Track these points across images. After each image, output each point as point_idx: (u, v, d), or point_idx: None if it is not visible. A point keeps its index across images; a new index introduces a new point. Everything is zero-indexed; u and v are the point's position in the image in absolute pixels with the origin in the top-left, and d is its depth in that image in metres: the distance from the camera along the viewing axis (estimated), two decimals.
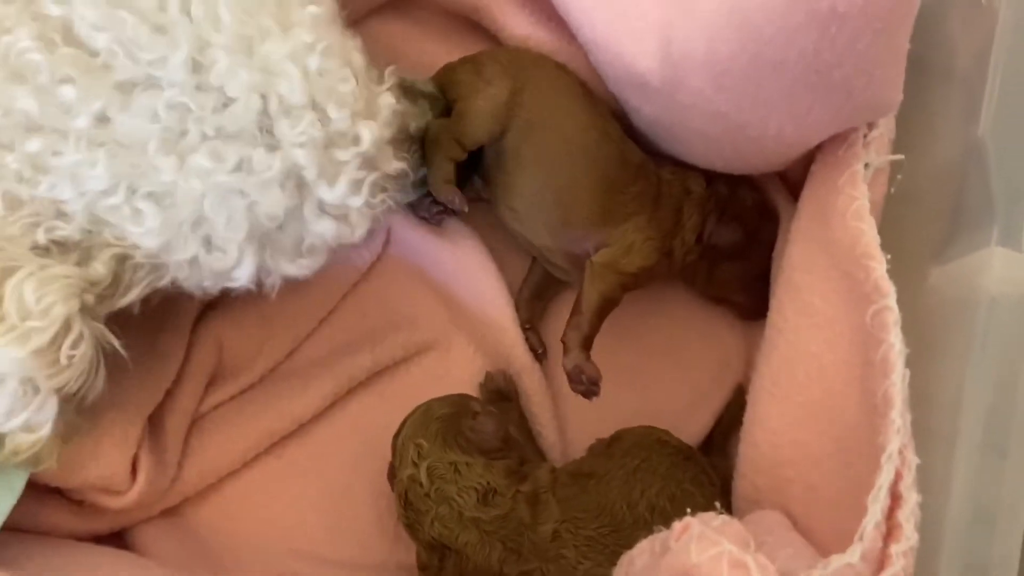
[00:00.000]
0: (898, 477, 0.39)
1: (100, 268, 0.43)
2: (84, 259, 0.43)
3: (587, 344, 0.55)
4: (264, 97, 0.43)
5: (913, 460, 0.39)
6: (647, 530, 0.42)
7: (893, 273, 0.45)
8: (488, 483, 0.52)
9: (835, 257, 0.47)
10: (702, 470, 0.54)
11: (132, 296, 0.45)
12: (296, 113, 0.44)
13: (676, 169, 0.60)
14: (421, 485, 0.51)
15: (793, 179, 0.60)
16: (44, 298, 0.40)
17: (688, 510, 0.42)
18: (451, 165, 0.57)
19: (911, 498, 0.38)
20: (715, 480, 0.54)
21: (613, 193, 0.56)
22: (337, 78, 0.45)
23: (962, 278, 0.46)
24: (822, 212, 0.49)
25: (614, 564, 0.45)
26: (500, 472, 0.53)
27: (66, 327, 0.41)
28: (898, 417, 0.40)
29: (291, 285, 0.61)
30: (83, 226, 0.43)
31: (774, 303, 0.52)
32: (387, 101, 0.49)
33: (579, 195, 0.56)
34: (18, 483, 0.48)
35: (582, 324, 0.55)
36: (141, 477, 0.52)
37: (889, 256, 0.44)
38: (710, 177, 0.60)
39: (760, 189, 0.61)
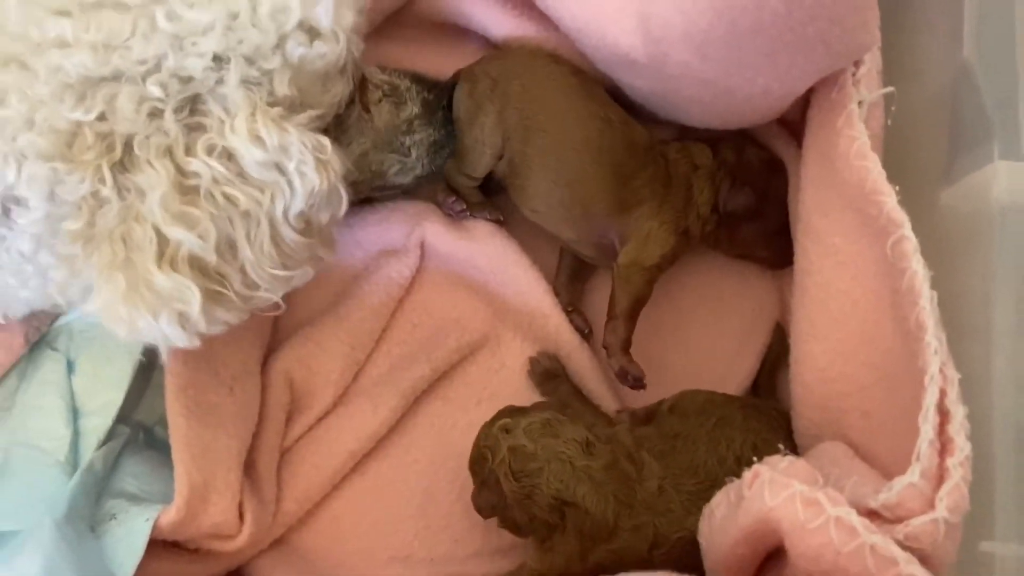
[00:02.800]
0: (943, 395, 0.41)
1: None
2: None
3: (626, 345, 0.59)
4: None
5: (954, 376, 0.42)
6: None
7: (904, 201, 0.47)
8: (584, 436, 0.54)
9: (846, 197, 0.49)
10: (771, 416, 0.57)
11: None
12: None
13: (681, 145, 0.62)
14: (525, 447, 0.53)
15: (791, 120, 0.62)
16: None
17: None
18: (475, 191, 0.60)
19: (958, 412, 0.41)
20: (784, 422, 0.57)
21: (624, 181, 0.59)
22: None
23: (971, 195, 0.48)
24: (826, 156, 0.51)
25: None
26: (585, 429, 0.55)
27: None
28: (933, 339, 0.42)
29: (341, 312, 0.65)
30: None
31: (798, 249, 0.55)
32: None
33: (592, 188, 0.59)
34: (140, 541, 0.52)
35: (618, 328, 0.59)
36: (248, 518, 0.56)
37: (897, 188, 0.46)
38: (714, 142, 0.62)
39: (762, 143, 0.63)
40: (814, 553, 0.39)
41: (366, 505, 0.63)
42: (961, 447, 0.40)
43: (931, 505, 0.39)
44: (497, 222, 0.65)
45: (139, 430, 0.62)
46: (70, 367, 0.61)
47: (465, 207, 0.65)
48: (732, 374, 0.65)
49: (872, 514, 0.40)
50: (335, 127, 0.55)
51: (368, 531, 0.63)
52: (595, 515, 0.52)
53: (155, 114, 0.44)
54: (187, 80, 0.44)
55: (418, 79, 0.63)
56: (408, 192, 0.67)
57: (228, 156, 0.45)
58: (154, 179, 0.43)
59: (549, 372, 0.64)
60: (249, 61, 0.45)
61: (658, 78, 0.55)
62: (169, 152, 0.44)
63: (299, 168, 0.46)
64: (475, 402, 0.65)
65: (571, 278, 0.66)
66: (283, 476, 0.61)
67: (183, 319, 0.45)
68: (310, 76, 0.48)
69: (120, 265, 0.43)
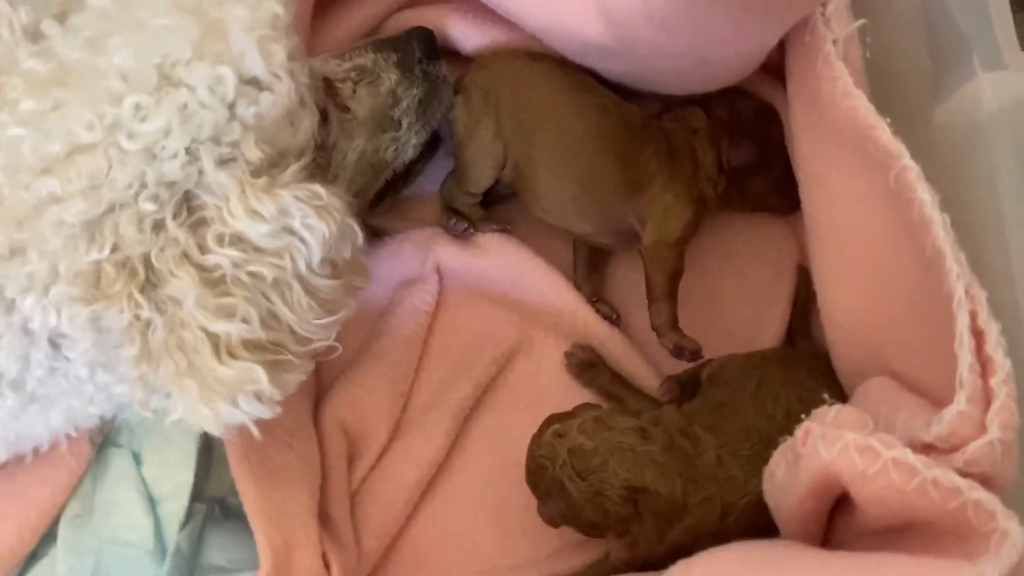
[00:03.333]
0: (973, 316, 0.42)
1: None
2: None
3: (675, 323, 0.59)
4: None
5: (981, 294, 0.42)
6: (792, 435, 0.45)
7: (899, 128, 0.47)
8: (636, 423, 0.55)
9: (840, 138, 0.50)
10: (810, 363, 0.58)
11: None
12: None
13: (675, 113, 0.62)
14: (584, 446, 0.54)
15: (774, 64, 0.61)
16: None
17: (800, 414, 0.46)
18: (475, 207, 0.61)
19: (992, 330, 0.41)
20: (825, 366, 0.57)
21: (630, 162, 0.60)
22: None
23: (962, 110, 0.48)
24: (812, 101, 0.51)
25: None
26: (634, 417, 0.56)
27: None
28: (953, 264, 0.43)
29: (376, 350, 0.67)
30: None
31: (803, 195, 0.55)
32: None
33: (601, 177, 0.60)
34: None
35: (662, 310, 0.59)
36: (334, 567, 0.58)
37: (888, 120, 0.46)
38: (705, 102, 0.62)
39: (751, 93, 0.63)
40: (879, 497, 0.40)
41: (442, 527, 0.65)
42: (1001, 364, 0.40)
43: (983, 428, 0.39)
44: (504, 232, 0.66)
45: (214, 504, 0.64)
46: (137, 459, 0.63)
47: (468, 225, 0.66)
48: (765, 325, 0.65)
49: (928, 448, 0.41)
50: (322, 152, 0.56)
51: (449, 551, 0.65)
52: (666, 496, 0.53)
53: (158, 226, 0.45)
54: (172, 184, 0.46)
55: (379, 46, 0.62)
56: (413, 179, 0.66)
57: (238, 239, 0.46)
58: (182, 286, 0.45)
59: (586, 362, 0.65)
60: (215, 142, 0.46)
61: (631, 60, 0.56)
62: (186, 256, 0.45)
63: (304, 223, 0.47)
64: (521, 407, 0.66)
65: (589, 269, 0.67)
66: (357, 518, 0.63)
67: (258, 396, 0.47)
68: (273, 126, 0.49)
69: (186, 372, 0.46)
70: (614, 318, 0.66)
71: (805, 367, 0.57)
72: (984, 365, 0.41)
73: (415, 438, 0.65)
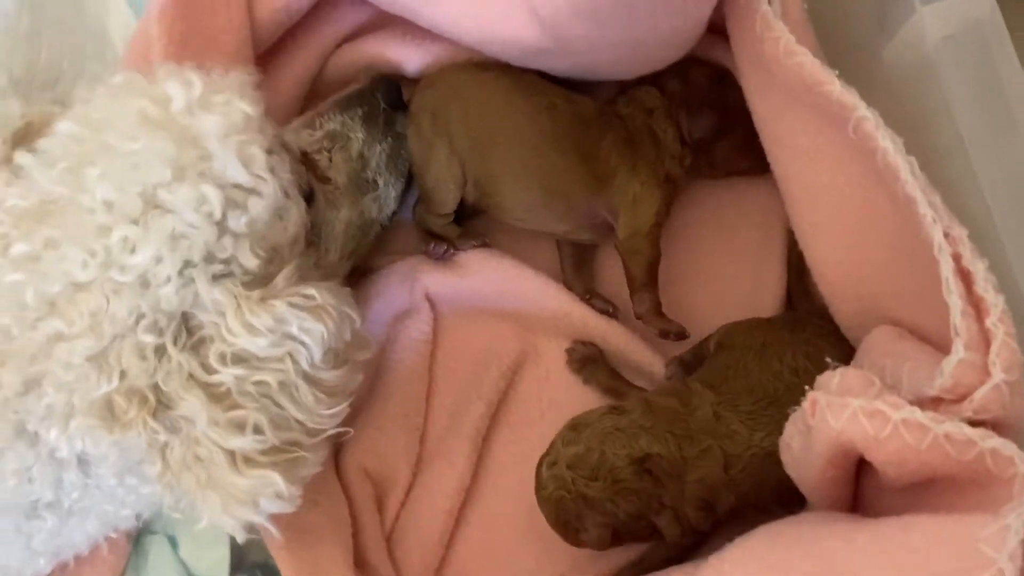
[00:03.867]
0: (957, 259, 0.41)
1: None
2: None
3: (658, 308, 0.59)
4: None
5: (962, 233, 0.41)
6: (800, 391, 0.45)
7: (852, 74, 0.46)
8: (607, 408, 0.56)
9: (792, 96, 0.49)
10: (815, 323, 0.57)
11: None
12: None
13: (628, 97, 0.61)
14: (576, 454, 0.54)
15: (721, 24, 0.60)
16: None
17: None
18: (450, 226, 0.61)
19: (979, 268, 0.40)
20: (829, 325, 0.56)
21: (590, 156, 0.59)
22: None
23: (909, 44, 0.47)
24: (758, 63, 0.50)
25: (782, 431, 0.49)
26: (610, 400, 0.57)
27: None
28: (927, 209, 0.42)
29: (382, 389, 0.67)
30: None
31: (770, 157, 0.54)
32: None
33: (564, 177, 0.59)
34: None
35: (644, 299, 0.59)
36: None
37: (837, 72, 0.45)
38: (657, 78, 0.60)
39: (704, 59, 0.62)
40: (896, 458, 0.39)
41: (483, 549, 0.65)
42: (994, 303, 0.39)
43: (987, 373, 0.38)
44: (485, 246, 0.66)
45: (256, 570, 0.65)
46: (172, 542, 0.64)
47: (447, 247, 0.65)
48: (763, 289, 0.65)
49: (936, 401, 0.40)
50: (312, 230, 0.56)
51: (495, 571, 0.65)
52: (665, 455, 0.53)
53: (161, 351, 0.46)
54: (168, 310, 0.46)
55: (344, 104, 0.62)
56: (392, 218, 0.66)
57: (239, 357, 0.47)
58: (192, 406, 0.45)
59: (587, 358, 0.65)
60: (208, 260, 0.46)
61: (570, 56, 0.55)
62: (192, 378, 0.46)
63: (301, 327, 0.47)
64: (537, 416, 0.66)
65: (577, 266, 0.66)
66: (397, 558, 0.63)
67: (278, 495, 0.48)
68: (264, 228, 0.49)
69: (206, 484, 0.47)
70: (611, 311, 0.65)
71: (811, 327, 0.57)
72: (977, 306, 0.40)
73: (438, 468, 0.65)
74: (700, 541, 0.58)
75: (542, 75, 0.63)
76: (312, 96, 0.71)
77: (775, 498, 0.52)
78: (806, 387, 0.44)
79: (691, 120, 0.60)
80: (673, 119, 0.60)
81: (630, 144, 0.59)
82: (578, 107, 0.60)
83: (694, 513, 0.54)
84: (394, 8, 0.62)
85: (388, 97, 0.62)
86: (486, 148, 0.60)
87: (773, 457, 0.51)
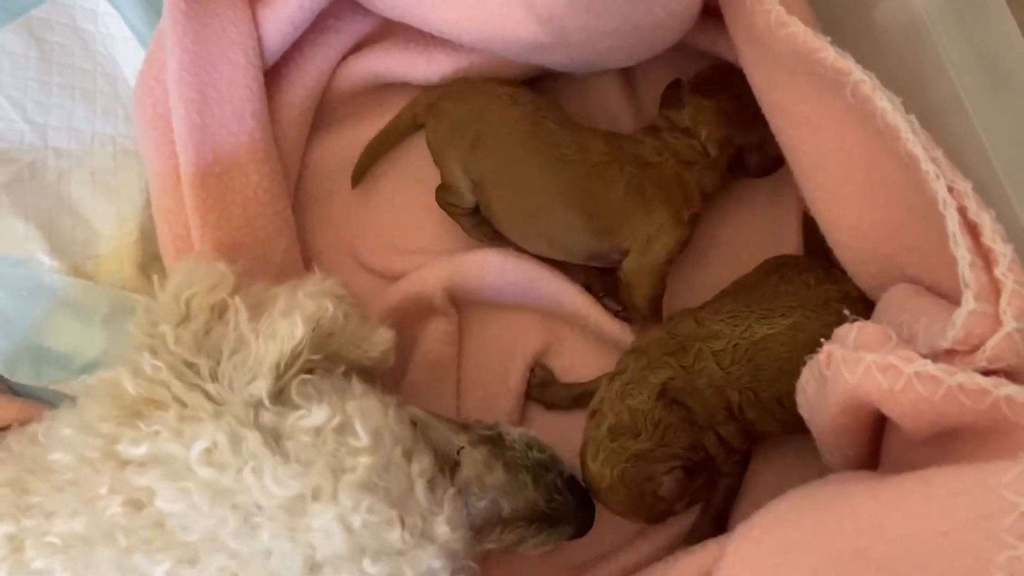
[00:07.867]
0: (963, 211, 0.41)
1: None
2: None
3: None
4: (307, 556, 0.44)
5: (966, 185, 0.42)
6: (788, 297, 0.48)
7: (845, 39, 0.46)
8: (606, 374, 0.59)
9: (788, 66, 0.49)
10: (825, 269, 0.58)
11: None
12: (337, 563, 0.44)
13: (658, 143, 0.59)
14: (610, 424, 0.55)
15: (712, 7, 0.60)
16: None
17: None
18: (482, 227, 0.64)
19: (985, 220, 0.40)
20: (839, 272, 0.57)
21: (598, 210, 0.59)
22: (382, 525, 0.44)
23: (898, 4, 0.47)
24: (752, 37, 0.51)
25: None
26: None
27: None
28: (929, 165, 0.42)
29: (411, 392, 0.68)
30: None
31: (775, 131, 0.55)
32: (442, 528, 0.47)
33: (567, 231, 0.60)
34: None
35: (644, 328, 0.60)
36: None
37: (830, 38, 0.46)
38: (702, 89, 0.60)
39: (711, 53, 0.61)
40: (911, 411, 0.40)
41: None
42: (1002, 252, 0.39)
43: (998, 322, 0.39)
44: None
45: None
46: None
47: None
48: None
49: (950, 353, 0.40)
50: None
51: (536, 556, 0.66)
52: (673, 375, 0.56)
53: None
54: None
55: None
56: None
57: None
58: None
59: (544, 382, 0.66)
60: None
61: (570, 49, 0.56)
62: None
63: None
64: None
65: (590, 271, 0.67)
66: None
67: None
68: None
69: None
70: (619, 311, 0.65)
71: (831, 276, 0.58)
72: (985, 257, 0.40)
73: None
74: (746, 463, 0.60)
75: (545, 74, 0.64)
76: (322, 109, 0.72)
77: (777, 398, 0.54)
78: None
79: (744, 135, 0.59)
80: (716, 172, 0.59)
81: (645, 192, 0.58)
82: (587, 154, 0.59)
83: (725, 427, 0.56)
84: (395, 14, 0.64)
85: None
86: (492, 186, 0.61)
87: (757, 345, 0.54)
